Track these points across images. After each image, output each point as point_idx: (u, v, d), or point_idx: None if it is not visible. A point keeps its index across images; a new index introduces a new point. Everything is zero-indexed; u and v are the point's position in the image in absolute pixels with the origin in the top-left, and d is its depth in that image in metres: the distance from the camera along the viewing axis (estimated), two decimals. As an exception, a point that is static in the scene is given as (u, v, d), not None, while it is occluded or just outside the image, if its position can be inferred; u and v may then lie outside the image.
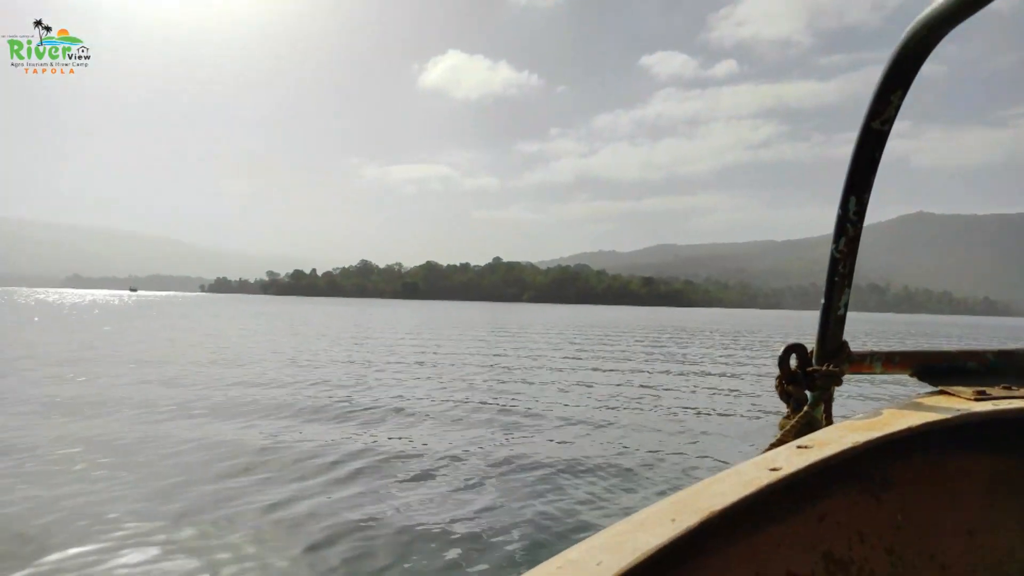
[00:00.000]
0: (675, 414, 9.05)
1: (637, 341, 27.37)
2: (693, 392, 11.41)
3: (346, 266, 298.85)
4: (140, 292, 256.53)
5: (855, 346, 1.10)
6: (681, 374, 14.42)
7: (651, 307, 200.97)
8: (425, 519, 4.46)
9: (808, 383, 1.07)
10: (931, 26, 0.83)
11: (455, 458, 6.14)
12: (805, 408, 1.04)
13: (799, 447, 0.84)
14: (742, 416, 9.07)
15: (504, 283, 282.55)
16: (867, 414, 0.95)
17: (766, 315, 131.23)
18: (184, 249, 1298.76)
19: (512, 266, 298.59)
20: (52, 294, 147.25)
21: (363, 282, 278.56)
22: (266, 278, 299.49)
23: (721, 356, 19.93)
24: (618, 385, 12.03)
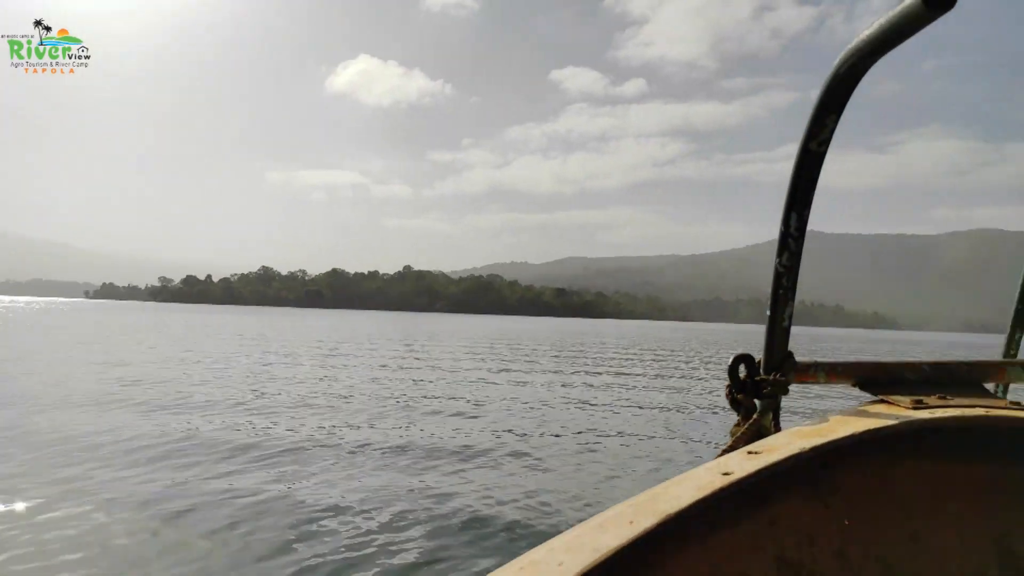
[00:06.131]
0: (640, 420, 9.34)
1: (589, 353, 24.78)
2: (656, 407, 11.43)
3: (245, 272, 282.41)
4: (14, 298, 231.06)
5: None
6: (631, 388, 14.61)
7: (568, 318, 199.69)
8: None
9: (756, 392, 1.10)
10: (860, 55, 0.86)
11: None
12: (755, 416, 1.08)
13: (749, 452, 0.86)
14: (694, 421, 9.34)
15: (414, 292, 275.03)
16: (813, 421, 0.99)
17: (686, 327, 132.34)
18: (70, 252, 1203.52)
19: (423, 275, 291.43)
20: None
21: (263, 289, 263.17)
22: (157, 284, 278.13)
23: (668, 368, 20.15)
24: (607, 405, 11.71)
